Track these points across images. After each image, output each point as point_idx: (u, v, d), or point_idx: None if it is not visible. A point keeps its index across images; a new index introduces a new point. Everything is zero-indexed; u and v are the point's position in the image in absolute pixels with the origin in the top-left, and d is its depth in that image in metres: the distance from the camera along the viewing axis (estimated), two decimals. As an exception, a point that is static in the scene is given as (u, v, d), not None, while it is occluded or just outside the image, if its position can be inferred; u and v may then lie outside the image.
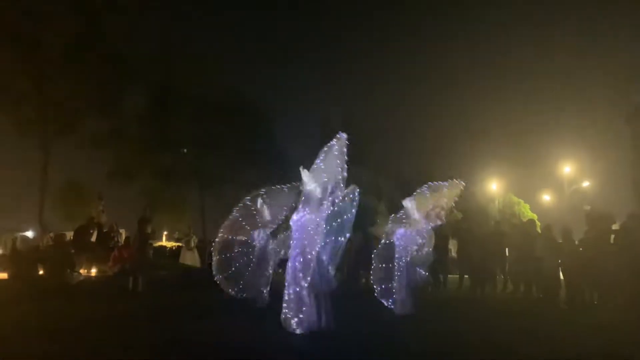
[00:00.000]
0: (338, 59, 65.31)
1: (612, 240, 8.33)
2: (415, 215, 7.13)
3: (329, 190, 5.24)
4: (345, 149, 5.31)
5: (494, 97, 56.88)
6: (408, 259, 6.99)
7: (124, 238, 11.58)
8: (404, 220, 7.19)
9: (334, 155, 5.30)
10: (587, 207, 9.64)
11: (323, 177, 5.23)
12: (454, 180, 7.44)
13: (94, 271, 11.65)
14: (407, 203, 7.18)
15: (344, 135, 5.37)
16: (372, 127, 23.60)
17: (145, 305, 7.95)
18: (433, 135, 53.44)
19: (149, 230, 10.48)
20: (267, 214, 6.81)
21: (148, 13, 18.54)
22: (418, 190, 7.28)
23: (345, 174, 5.34)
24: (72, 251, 10.71)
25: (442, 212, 7.24)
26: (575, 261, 8.84)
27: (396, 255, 6.99)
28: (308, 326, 4.95)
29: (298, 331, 4.92)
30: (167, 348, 4.36)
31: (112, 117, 16.22)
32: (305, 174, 5.31)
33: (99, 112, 15.73)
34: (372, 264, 7.26)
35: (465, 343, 4.93)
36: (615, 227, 8.67)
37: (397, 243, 7.06)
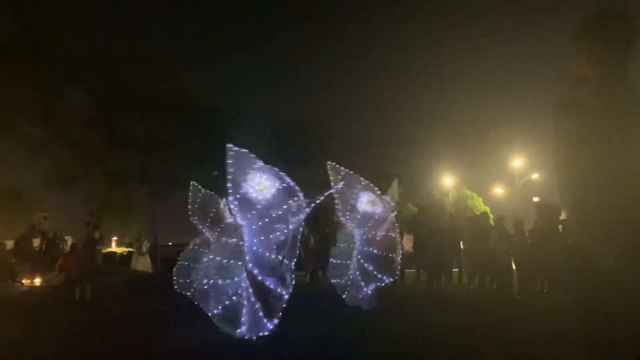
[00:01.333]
0: (292, 58, 65.22)
1: (560, 230, 8.63)
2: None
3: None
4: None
5: (446, 96, 58.51)
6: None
7: (69, 245, 10.97)
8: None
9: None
10: (536, 199, 9.98)
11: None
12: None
13: (37, 281, 10.97)
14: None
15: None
16: (326, 128, 23.64)
17: (93, 315, 7.52)
18: (388, 134, 54.42)
19: (97, 235, 10.04)
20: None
21: (88, 12, 17.62)
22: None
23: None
24: (13, 261, 10.09)
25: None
26: (525, 251, 9.12)
27: (354, 252, 6.99)
28: (256, 328, 4.69)
29: (247, 336, 4.69)
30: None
31: (52, 120, 15.37)
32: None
33: (37, 114, 14.86)
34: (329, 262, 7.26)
35: (426, 335, 4.93)
36: (563, 217, 8.99)
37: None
